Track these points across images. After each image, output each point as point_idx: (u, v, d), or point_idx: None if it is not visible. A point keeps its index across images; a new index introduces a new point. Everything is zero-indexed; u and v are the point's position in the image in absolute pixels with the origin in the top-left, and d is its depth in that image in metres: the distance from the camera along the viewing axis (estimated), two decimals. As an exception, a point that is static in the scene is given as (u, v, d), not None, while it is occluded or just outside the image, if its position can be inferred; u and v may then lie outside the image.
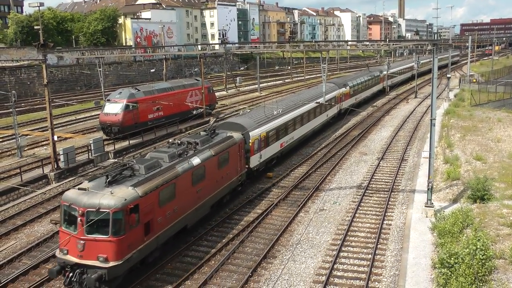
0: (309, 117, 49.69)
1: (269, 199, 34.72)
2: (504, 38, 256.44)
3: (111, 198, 20.76)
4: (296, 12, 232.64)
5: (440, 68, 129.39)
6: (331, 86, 60.79)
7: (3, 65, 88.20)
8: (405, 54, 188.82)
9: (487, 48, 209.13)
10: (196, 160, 27.24)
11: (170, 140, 31.42)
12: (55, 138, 41.38)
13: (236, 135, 33.49)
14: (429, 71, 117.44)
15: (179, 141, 29.56)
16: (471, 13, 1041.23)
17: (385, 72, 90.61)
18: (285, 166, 43.06)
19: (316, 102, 48.96)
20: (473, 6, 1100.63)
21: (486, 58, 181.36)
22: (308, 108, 49.12)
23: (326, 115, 56.38)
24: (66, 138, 52.95)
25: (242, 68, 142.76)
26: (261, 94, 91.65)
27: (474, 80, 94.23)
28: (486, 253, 20.93)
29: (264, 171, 39.89)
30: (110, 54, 77.44)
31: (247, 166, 35.24)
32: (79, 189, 21.73)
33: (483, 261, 20.59)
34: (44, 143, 50.77)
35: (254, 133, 36.32)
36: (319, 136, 54.80)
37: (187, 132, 55.81)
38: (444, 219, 27.10)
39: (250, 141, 35.29)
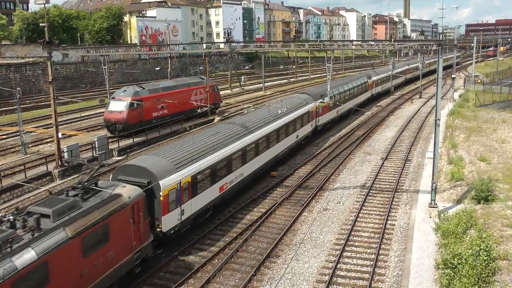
0: (268, 142, 38.42)
1: (273, 198, 34.69)
2: (509, 39, 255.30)
3: None
4: (301, 12, 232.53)
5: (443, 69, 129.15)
6: (304, 98, 50.75)
7: (8, 62, 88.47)
8: (410, 54, 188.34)
9: (489, 49, 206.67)
10: (26, 257, 15.99)
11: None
12: (60, 135, 41.45)
13: (130, 192, 21.53)
14: (427, 73, 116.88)
15: (10, 218, 17.27)
16: (476, 13, 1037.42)
17: (374, 78, 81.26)
18: (289, 166, 43.03)
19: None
20: (478, 7, 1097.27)
21: (490, 59, 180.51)
22: (268, 130, 38.20)
23: (296, 136, 45.35)
24: (70, 136, 53.03)
25: (247, 67, 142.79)
26: (266, 93, 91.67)
27: (479, 81, 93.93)
28: (489, 254, 20.89)
29: (191, 229, 28.42)
30: (115, 52, 77.21)
31: (159, 229, 24.52)
32: None
33: (487, 262, 20.55)
34: (48, 140, 50.85)
35: (170, 181, 25.18)
36: (323, 135, 54.76)
37: (182, 134, 55.79)
38: (447, 219, 27.04)
39: (161, 193, 24.36)
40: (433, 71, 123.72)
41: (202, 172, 28.10)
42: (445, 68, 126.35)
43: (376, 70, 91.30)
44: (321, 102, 52.07)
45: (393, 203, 32.97)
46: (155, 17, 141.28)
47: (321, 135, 54.43)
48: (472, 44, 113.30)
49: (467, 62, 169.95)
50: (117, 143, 48.19)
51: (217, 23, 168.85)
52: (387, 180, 38.33)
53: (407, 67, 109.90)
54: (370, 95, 79.25)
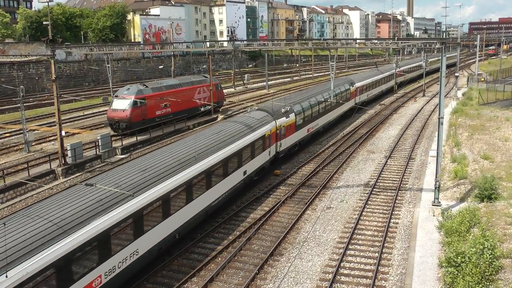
0: (190, 193, 26.21)
1: (276, 196, 34.69)
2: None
3: None
4: (305, 10, 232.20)
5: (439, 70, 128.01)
6: (258, 118, 37.46)
7: (12, 60, 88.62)
8: (413, 52, 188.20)
9: (490, 48, 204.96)
10: None
11: None
12: (63, 133, 41.52)
13: None
14: (420, 75, 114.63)
15: None
16: (479, 12, 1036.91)
17: (357, 84, 68.32)
18: (292, 164, 43.01)
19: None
20: (482, 5, 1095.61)
21: (493, 57, 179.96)
22: (188, 176, 25.82)
23: (243, 172, 32.86)
24: (73, 134, 53.11)
25: (250, 66, 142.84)
26: (269, 92, 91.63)
27: (482, 79, 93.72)
28: (493, 253, 20.86)
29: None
30: (118, 50, 77.46)
31: None
32: None
33: (490, 260, 20.52)
34: (51, 138, 50.93)
35: None
36: (326, 134, 54.72)
37: (194, 129, 55.81)
38: (451, 218, 27.02)
39: None
40: (429, 73, 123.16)
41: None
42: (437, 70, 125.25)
43: (360, 76, 77.70)
44: (285, 118, 40.83)
45: (397, 201, 32.94)
46: (159, 15, 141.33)
47: (324, 135, 54.32)
48: (476, 43, 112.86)
49: (471, 61, 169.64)
50: (121, 141, 48.23)
51: (221, 21, 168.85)
52: (390, 179, 38.29)
53: (397, 69, 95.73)
54: (354, 104, 65.75)
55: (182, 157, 26.93)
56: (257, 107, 43.29)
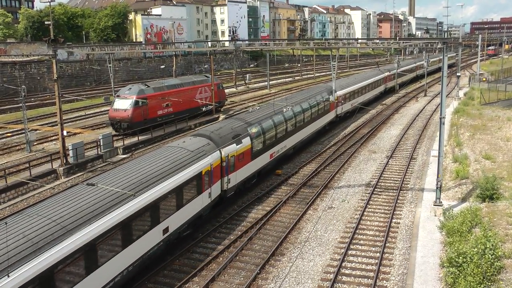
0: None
1: (278, 196, 34.68)
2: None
3: None
4: (306, 10, 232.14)
5: (437, 71, 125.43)
6: (193, 149, 28.69)
7: (14, 60, 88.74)
8: (415, 52, 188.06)
9: (489, 48, 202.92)
10: None
11: None
12: (65, 133, 41.55)
13: None
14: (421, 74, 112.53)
15: None
16: (481, 11, 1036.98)
17: (339, 92, 57.66)
18: (294, 164, 43.00)
19: None
20: (483, 5, 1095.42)
21: (493, 57, 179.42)
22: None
23: (163, 229, 23.87)
24: (75, 134, 53.15)
25: (251, 65, 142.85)
26: (271, 91, 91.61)
27: (484, 79, 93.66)
28: (495, 253, 20.85)
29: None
30: (120, 50, 77.19)
31: None
32: None
33: (492, 260, 20.51)
34: (53, 138, 50.98)
35: None
36: (328, 134, 54.71)
37: (196, 129, 55.80)
38: (452, 218, 26.99)
39: None
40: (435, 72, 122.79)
41: None
42: (433, 72, 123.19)
43: (343, 82, 66.41)
44: (235, 145, 31.83)
45: (398, 201, 32.93)
46: (160, 15, 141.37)
47: (326, 134, 54.33)
48: (477, 42, 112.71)
49: (472, 61, 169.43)
50: (122, 141, 48.26)
51: (222, 21, 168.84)
52: (392, 179, 38.27)
53: (387, 73, 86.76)
54: (335, 115, 57.28)
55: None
56: (196, 133, 33.33)
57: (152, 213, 22.75)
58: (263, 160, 37.00)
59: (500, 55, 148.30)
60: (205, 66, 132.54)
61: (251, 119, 36.95)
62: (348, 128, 57.51)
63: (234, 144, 31.77)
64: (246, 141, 33.50)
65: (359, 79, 71.00)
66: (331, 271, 23.66)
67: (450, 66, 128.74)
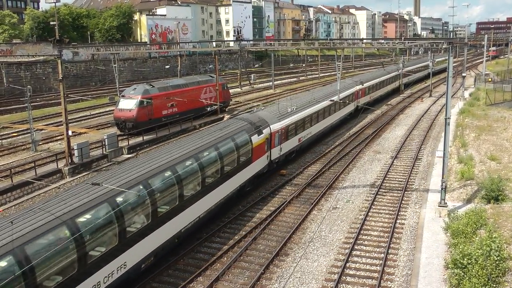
0: None
1: (282, 196, 34.69)
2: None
3: None
4: (311, 10, 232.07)
5: (439, 73, 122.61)
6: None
7: (19, 60, 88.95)
8: (420, 52, 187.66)
9: (491, 49, 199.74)
10: None
11: None
12: (70, 133, 41.64)
13: None
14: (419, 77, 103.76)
15: None
16: (487, 11, 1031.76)
17: (274, 126, 37.83)
18: (298, 164, 42.99)
19: None
20: (489, 5, 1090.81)
21: (496, 58, 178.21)
22: None
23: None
24: (80, 133, 53.26)
25: (256, 65, 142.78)
26: (275, 92, 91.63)
27: (490, 79, 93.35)
28: (500, 254, 20.78)
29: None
30: (125, 50, 77.60)
31: None
32: None
33: (497, 262, 20.45)
34: (58, 138, 51.10)
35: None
36: (333, 134, 54.67)
37: (201, 128, 55.85)
38: (457, 219, 26.92)
39: None
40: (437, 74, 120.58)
41: None
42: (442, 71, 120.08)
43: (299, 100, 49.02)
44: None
45: (403, 202, 32.89)
46: (165, 15, 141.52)
47: (330, 134, 54.29)
48: (483, 43, 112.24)
49: (478, 61, 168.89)
50: (127, 141, 48.33)
51: (227, 21, 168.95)
52: (396, 179, 38.23)
53: (358, 86, 66.33)
54: (267, 163, 37.41)
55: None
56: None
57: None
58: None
59: (503, 56, 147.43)
60: (210, 66, 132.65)
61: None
62: (353, 129, 57.47)
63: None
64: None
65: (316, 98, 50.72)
66: (335, 271, 23.65)
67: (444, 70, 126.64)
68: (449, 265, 21.89)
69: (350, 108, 62.05)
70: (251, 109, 60.60)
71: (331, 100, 49.31)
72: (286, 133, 39.91)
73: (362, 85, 67.68)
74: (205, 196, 27.27)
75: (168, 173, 24.35)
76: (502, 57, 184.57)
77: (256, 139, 34.00)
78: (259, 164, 35.12)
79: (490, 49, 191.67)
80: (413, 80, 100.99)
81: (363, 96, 68.06)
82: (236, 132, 32.48)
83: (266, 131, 35.76)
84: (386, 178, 38.24)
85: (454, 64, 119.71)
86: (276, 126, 37.68)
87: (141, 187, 21.88)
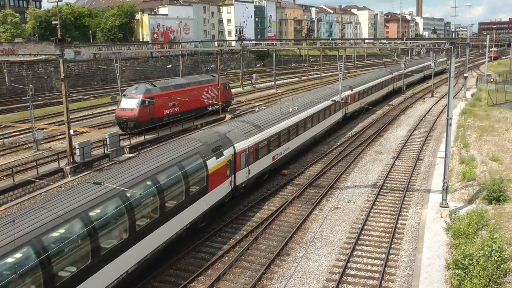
0: None
1: (284, 196, 34.68)
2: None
3: None
4: (313, 10, 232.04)
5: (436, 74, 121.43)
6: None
7: (21, 59, 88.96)
8: (422, 53, 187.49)
9: (491, 50, 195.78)
10: None
11: None
12: (71, 132, 41.68)
13: None
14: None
15: None
16: (490, 11, 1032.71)
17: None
18: (300, 164, 42.98)
19: None
20: (492, 5, 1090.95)
21: (496, 60, 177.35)
22: None
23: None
24: (82, 133, 53.29)
25: (258, 65, 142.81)
26: (277, 91, 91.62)
27: (492, 80, 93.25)
28: (501, 255, 20.77)
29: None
30: (127, 49, 77.68)
31: None
32: None
33: (498, 263, 20.43)
34: (60, 137, 51.16)
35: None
36: (334, 134, 54.63)
37: (202, 128, 55.85)
38: (459, 219, 26.91)
39: None
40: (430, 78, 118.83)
41: None
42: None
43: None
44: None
45: (404, 202, 32.87)
46: (167, 14, 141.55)
47: (332, 134, 54.26)
48: (485, 43, 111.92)
49: (480, 61, 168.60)
50: (129, 140, 48.33)
51: (229, 21, 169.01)
52: (398, 179, 38.21)
53: (347, 92, 58.82)
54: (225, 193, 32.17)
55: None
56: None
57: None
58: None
59: (504, 57, 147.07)
60: (212, 66, 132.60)
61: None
62: (355, 129, 57.43)
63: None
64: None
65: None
66: (337, 271, 23.64)
67: (441, 72, 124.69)
68: (450, 266, 21.88)
69: (337, 116, 55.80)
70: (253, 108, 60.61)
71: (314, 110, 46.00)
72: (256, 151, 33.96)
73: (352, 90, 61.19)
74: (133, 247, 21.12)
75: (73, 226, 18.38)
76: (504, 58, 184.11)
77: (213, 163, 27.93)
78: (218, 193, 29.00)
79: (491, 50, 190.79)
80: (408, 83, 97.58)
81: (352, 102, 61.61)
82: (184, 157, 26.20)
83: (228, 152, 30.04)
84: (388, 179, 38.22)
85: (455, 65, 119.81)
86: (242, 145, 31.91)
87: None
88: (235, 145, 31.02)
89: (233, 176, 30.81)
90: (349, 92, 59.81)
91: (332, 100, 49.76)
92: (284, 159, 40.32)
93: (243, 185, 32.66)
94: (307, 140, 45.47)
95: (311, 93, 57.00)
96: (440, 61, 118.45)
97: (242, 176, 32.15)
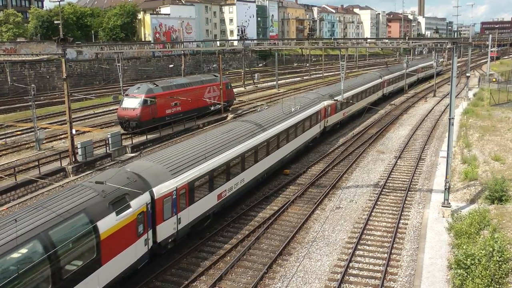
0: None
1: (286, 196, 34.68)
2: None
3: None
4: (315, 9, 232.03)
5: (426, 79, 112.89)
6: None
7: (23, 59, 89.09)
8: (424, 52, 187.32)
9: (492, 50, 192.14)
10: None
11: None
12: (73, 131, 41.71)
13: None
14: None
15: None
16: (492, 11, 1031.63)
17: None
18: (302, 163, 42.98)
19: None
20: (494, 4, 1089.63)
21: (497, 60, 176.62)
22: None
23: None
24: (84, 132, 53.34)
25: (260, 65, 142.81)
26: (279, 91, 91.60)
27: (494, 80, 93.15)
28: (503, 255, 20.75)
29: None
30: (129, 49, 77.86)
31: None
32: None
33: (500, 263, 20.41)
34: (62, 136, 51.19)
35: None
36: (336, 133, 54.59)
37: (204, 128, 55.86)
38: (461, 219, 26.90)
39: None
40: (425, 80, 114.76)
41: None
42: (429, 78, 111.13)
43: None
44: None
45: (406, 202, 32.86)
46: (169, 14, 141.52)
47: (333, 134, 54.22)
48: (487, 43, 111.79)
49: (483, 61, 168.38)
50: (131, 140, 48.34)
51: (231, 20, 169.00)
52: (400, 179, 38.19)
53: (326, 102, 50.76)
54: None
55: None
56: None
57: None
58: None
59: (507, 57, 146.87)
60: (214, 65, 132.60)
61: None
62: (357, 128, 57.40)
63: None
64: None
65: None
66: (339, 271, 23.65)
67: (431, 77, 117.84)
68: (452, 266, 21.87)
69: (313, 131, 46.88)
70: (255, 108, 60.50)
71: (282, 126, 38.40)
72: (190, 192, 25.70)
73: (332, 99, 50.83)
74: None
75: None
76: (506, 57, 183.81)
77: (111, 223, 19.72)
78: (121, 262, 20.53)
79: (492, 50, 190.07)
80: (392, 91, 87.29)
81: (333, 114, 52.45)
82: (55, 222, 17.75)
83: (140, 201, 21.70)
84: (390, 178, 38.20)
85: (458, 65, 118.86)
86: (166, 187, 23.68)
87: None
88: (154, 189, 22.94)
89: (149, 232, 22.61)
90: (329, 102, 50.80)
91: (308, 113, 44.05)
92: (239, 195, 31.99)
93: (170, 239, 24.54)
94: (271, 166, 36.67)
95: (278, 107, 43.86)
96: (424, 66, 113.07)
97: (167, 229, 24.03)
